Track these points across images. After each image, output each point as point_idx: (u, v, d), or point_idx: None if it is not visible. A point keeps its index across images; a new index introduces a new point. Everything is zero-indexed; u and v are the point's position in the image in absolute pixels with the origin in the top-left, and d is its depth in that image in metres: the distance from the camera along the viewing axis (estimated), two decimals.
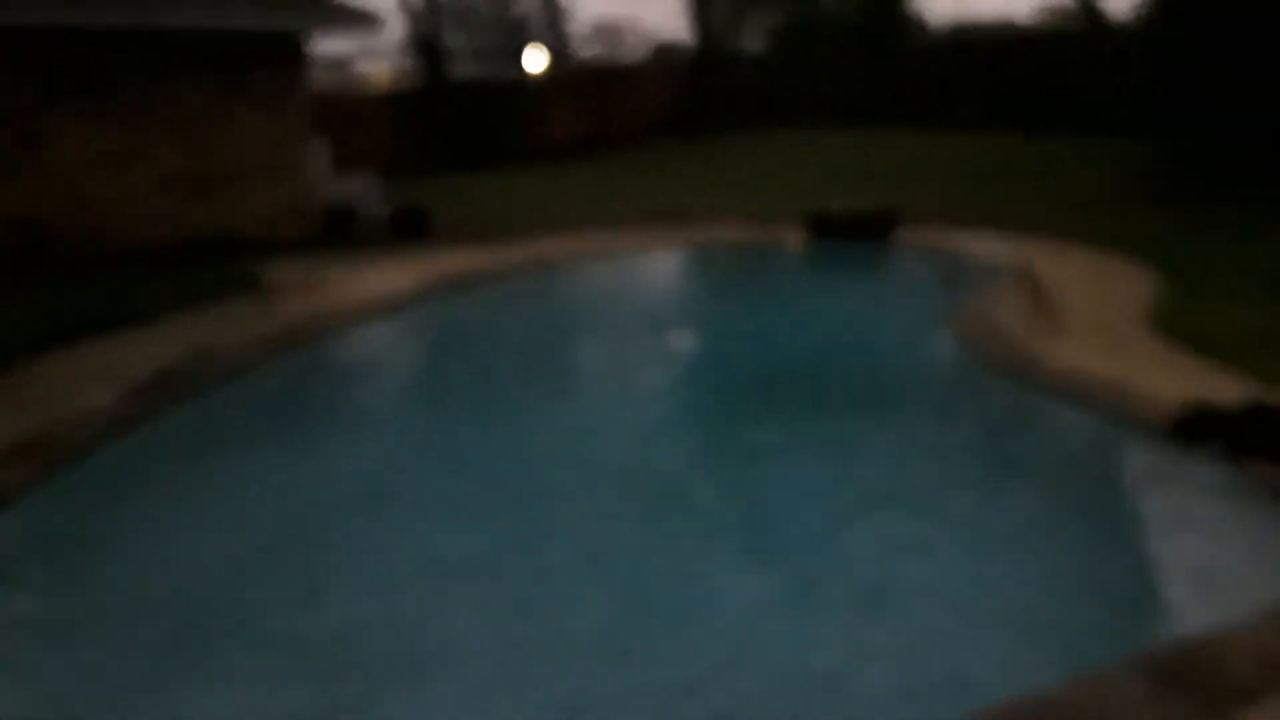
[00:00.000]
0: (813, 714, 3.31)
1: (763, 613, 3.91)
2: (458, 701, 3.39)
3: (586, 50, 30.81)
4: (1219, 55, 14.39)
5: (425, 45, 26.40)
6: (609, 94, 27.35)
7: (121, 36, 11.38)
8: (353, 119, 22.21)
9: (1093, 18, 25.56)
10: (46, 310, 7.95)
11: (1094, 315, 8.64)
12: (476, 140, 23.88)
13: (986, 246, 9.22)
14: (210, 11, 11.82)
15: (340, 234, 13.27)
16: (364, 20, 13.34)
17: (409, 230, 13.55)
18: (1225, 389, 6.35)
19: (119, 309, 8.11)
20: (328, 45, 24.60)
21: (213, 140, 12.23)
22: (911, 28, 35.22)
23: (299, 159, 12.90)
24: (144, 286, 8.96)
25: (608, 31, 30.54)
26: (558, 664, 3.57)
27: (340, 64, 45.20)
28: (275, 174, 12.70)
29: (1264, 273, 9.78)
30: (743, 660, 3.57)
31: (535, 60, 27.07)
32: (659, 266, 12.56)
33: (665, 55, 34.98)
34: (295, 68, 12.94)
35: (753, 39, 38.31)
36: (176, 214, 12.04)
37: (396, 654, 3.66)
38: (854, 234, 12.81)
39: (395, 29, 26.98)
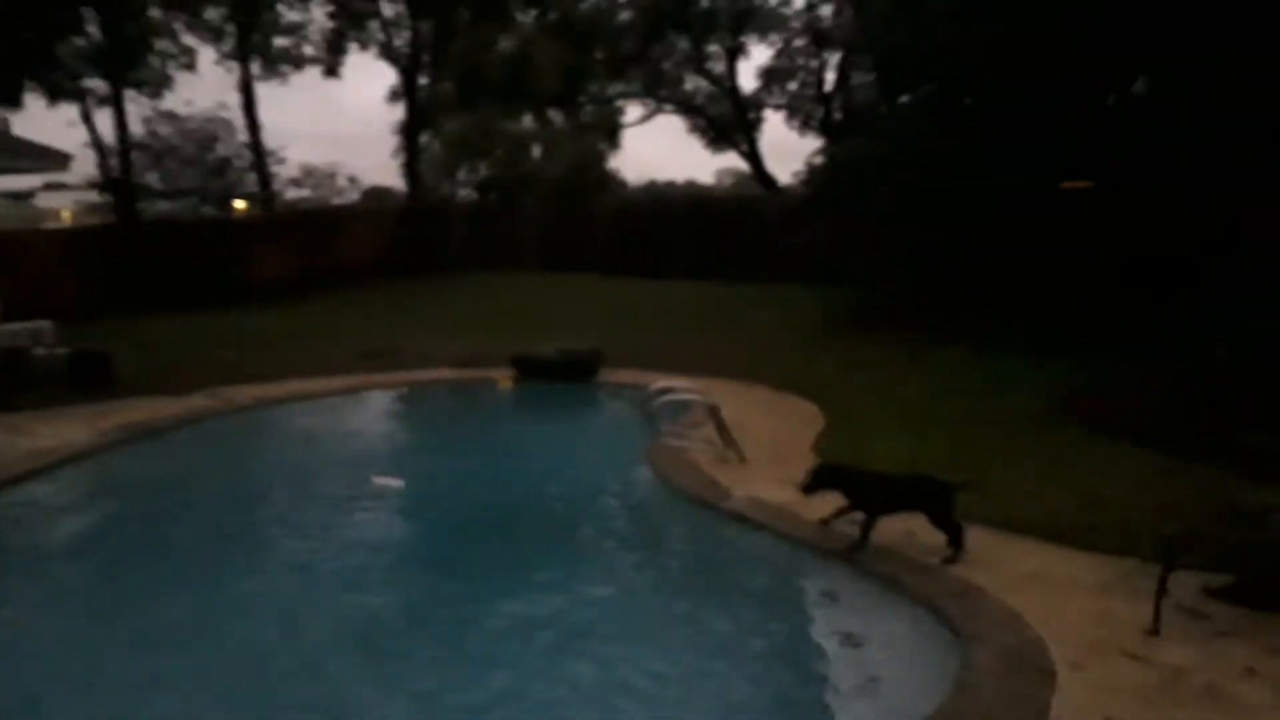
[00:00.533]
0: None
1: None
2: None
3: (294, 193, 30.29)
4: (862, 220, 16.52)
5: (115, 182, 24.84)
6: (320, 235, 26.85)
7: None
8: (30, 255, 20.31)
9: (765, 183, 28.62)
10: None
11: (770, 447, 9.37)
12: (174, 280, 22.49)
13: (681, 385, 9.77)
14: None
15: (10, 381, 11.89)
16: (50, 158, 12.41)
17: (89, 377, 12.40)
18: None
19: None
20: (8, 179, 22.57)
21: None
22: (611, 185, 37.70)
23: None
24: None
25: (316, 175, 30.20)
26: None
27: (21, 197, 41.53)
28: None
29: (904, 408, 11.10)
30: None
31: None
32: (365, 409, 12.24)
33: (377, 199, 35.09)
34: None
35: (465, 188, 39.39)
36: None
37: None
38: (559, 374, 13.21)
39: (85, 162, 25.31)
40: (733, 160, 49.10)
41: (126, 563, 6.49)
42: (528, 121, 36.24)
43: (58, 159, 12.54)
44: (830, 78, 28.99)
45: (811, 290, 20.57)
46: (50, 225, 34.84)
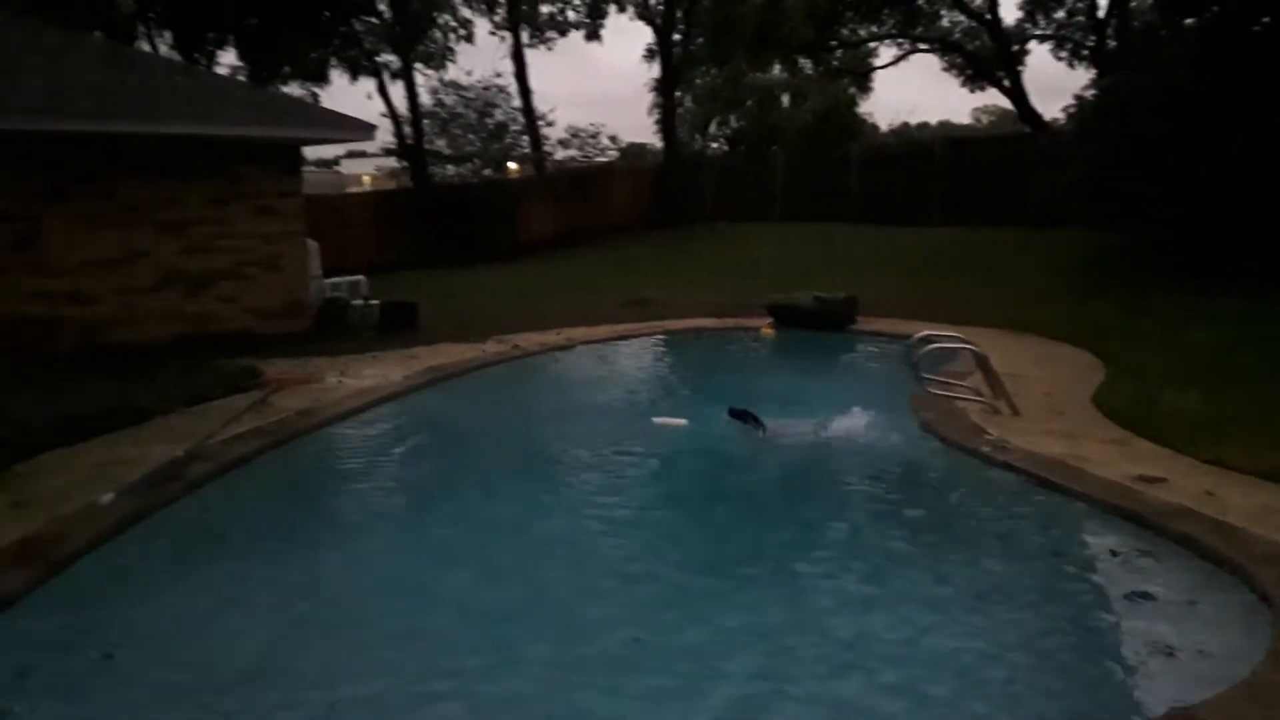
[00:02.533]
0: None
1: None
2: None
3: (562, 154, 31.52)
4: (1146, 157, 14.98)
5: (410, 149, 26.85)
6: (583, 193, 27.85)
7: (122, 141, 11.49)
8: (340, 217, 22.43)
9: (1029, 120, 26.56)
10: (48, 409, 7.83)
11: (1045, 400, 8.82)
12: (458, 238, 24.15)
13: (946, 334, 9.36)
14: (211, 120, 12.01)
15: (332, 329, 13.30)
16: (360, 128, 13.60)
17: (397, 324, 13.62)
18: (1166, 469, 6.52)
19: (120, 407, 8.02)
20: (318, 149, 25.01)
21: (210, 240, 12.30)
22: (862, 130, 36.42)
23: (293, 257, 12.98)
24: (144, 384, 8.87)
25: (581, 136, 31.26)
26: None
27: (328, 164, 45.88)
28: (270, 272, 12.74)
29: (1193, 358, 10.06)
30: None
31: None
32: (635, 355, 12.65)
33: (635, 156, 35.88)
34: (291, 170, 13.11)
35: (716, 141, 39.45)
36: (173, 311, 12.02)
37: None
38: (815, 323, 13.05)
39: (382, 131, 27.56)
40: (992, 98, 46.00)
41: (439, 486, 7.08)
42: (777, 72, 35.71)
43: (365, 129, 13.70)
44: (1103, 2, 26.39)
45: (1078, 233, 19.04)
46: (353, 189, 38.39)
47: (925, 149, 27.94)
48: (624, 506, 6.56)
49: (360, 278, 15.06)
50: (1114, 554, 5.50)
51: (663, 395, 10.29)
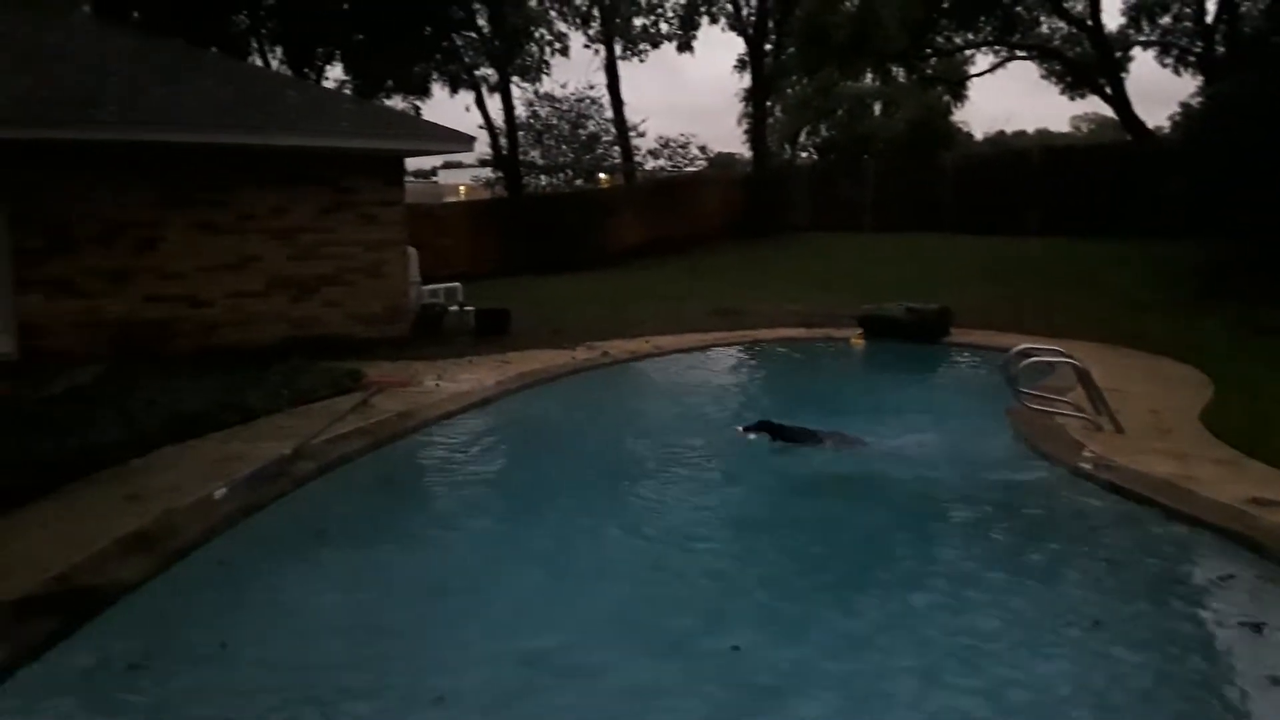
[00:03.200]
0: None
1: None
2: None
3: (652, 164, 31.65)
4: (1256, 166, 14.28)
5: (505, 160, 27.31)
6: (672, 202, 27.90)
7: (237, 152, 11.96)
8: (437, 226, 22.92)
9: (1132, 128, 25.59)
10: (162, 407, 8.17)
11: (1150, 417, 8.46)
12: (549, 246, 24.45)
13: (1045, 347, 9.06)
14: (321, 133, 12.42)
15: (430, 333, 13.60)
16: (459, 140, 13.89)
17: (491, 330, 13.85)
18: None
19: (230, 406, 8.33)
20: (417, 160, 25.59)
21: (317, 246, 12.70)
22: (956, 139, 35.63)
23: (394, 264, 13.31)
24: (253, 384, 9.19)
25: (671, 146, 31.34)
26: None
27: (425, 175, 46.96)
28: (372, 278, 13.09)
29: None
30: None
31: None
32: (723, 364, 12.57)
33: (723, 166, 35.80)
34: (393, 181, 13.46)
35: (805, 150, 39.07)
36: (281, 315, 12.44)
37: None
38: (907, 334, 12.78)
39: (478, 143, 28.15)
40: (1092, 105, 44.58)
41: (531, 487, 7.20)
42: (869, 80, 35.18)
43: (464, 141, 13.99)
44: (1212, 7, 25.25)
45: (1184, 245, 18.23)
46: (449, 199, 39.25)
47: (1023, 157, 27.18)
48: (714, 514, 6.53)
49: (456, 284, 15.36)
50: (1226, 579, 5.23)
51: (750, 404, 10.20)
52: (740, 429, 8.07)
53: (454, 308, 14.59)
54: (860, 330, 13.04)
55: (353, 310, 12.99)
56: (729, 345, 13.26)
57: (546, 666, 4.30)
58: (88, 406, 8.16)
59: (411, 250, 14.00)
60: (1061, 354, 8.74)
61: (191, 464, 6.98)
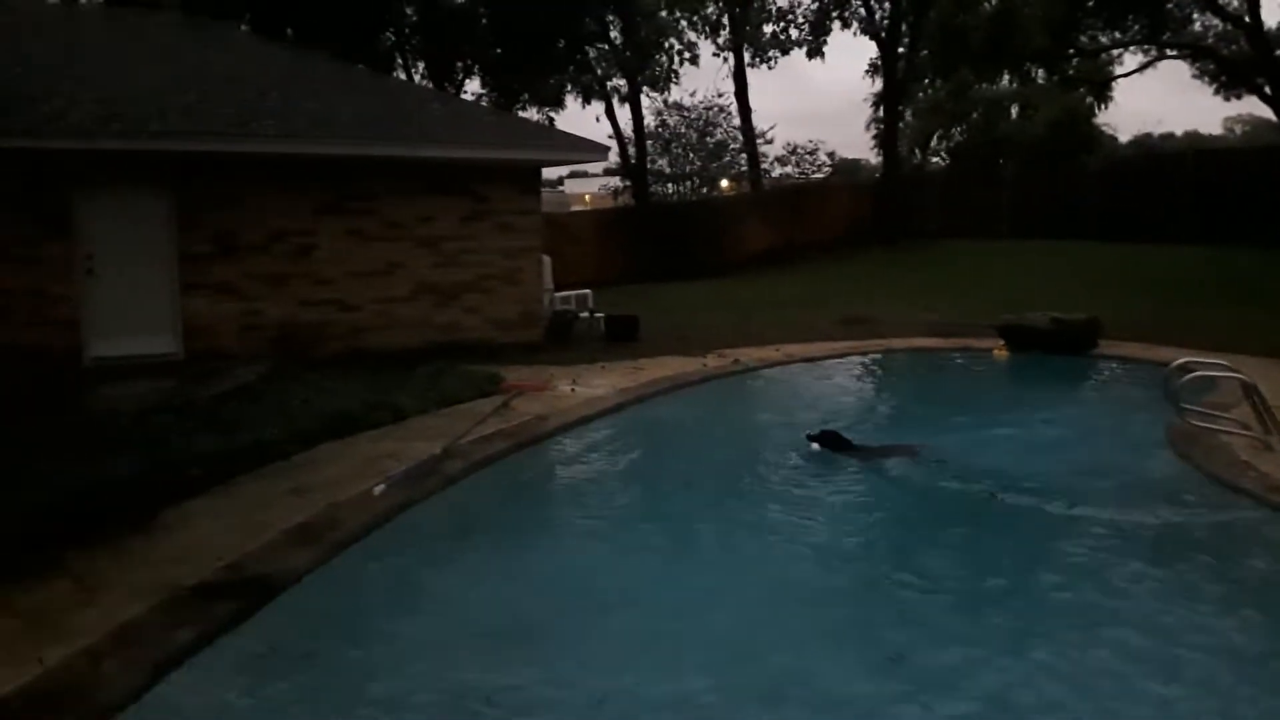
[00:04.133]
0: None
1: None
2: None
3: (779, 170, 31.41)
4: None
5: (634, 169, 27.59)
6: (799, 209, 27.61)
7: (385, 162, 12.47)
8: (566, 234, 23.33)
9: None
10: (320, 406, 8.58)
11: None
12: (675, 253, 24.56)
13: (1207, 361, 8.54)
14: (464, 144, 12.83)
15: (561, 338, 13.85)
16: (594, 149, 14.12)
17: (620, 336, 14.01)
18: None
19: (382, 406, 8.68)
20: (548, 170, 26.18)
21: (458, 254, 13.11)
22: (1101, 142, 34.04)
23: (530, 271, 13.61)
24: (402, 386, 9.55)
25: (799, 152, 31.01)
26: None
27: (552, 184, 47.90)
28: (509, 285, 13.41)
29: None
30: None
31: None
32: (856, 374, 12.33)
33: (848, 172, 35.20)
34: (530, 190, 13.78)
35: (936, 155, 38.08)
36: (424, 320, 12.89)
37: None
38: (1052, 346, 12.24)
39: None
40: (1248, 106, 41.90)
41: (666, 491, 7.25)
42: (1005, 82, 34.00)
43: (599, 150, 14.22)
44: None
45: None
46: (576, 208, 39.94)
47: (1174, 161, 25.72)
48: (855, 524, 6.41)
49: (587, 291, 15.58)
50: None
51: (894, 415, 9.96)
52: (808, 436, 7.95)
53: (584, 314, 14.81)
54: (1003, 341, 12.57)
55: (490, 316, 13.33)
56: (862, 354, 13.00)
57: (699, 667, 4.31)
58: (252, 404, 8.64)
59: (546, 258, 14.28)
60: (1226, 368, 8.23)
61: (349, 460, 7.30)
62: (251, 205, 11.96)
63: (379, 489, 6.39)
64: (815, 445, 7.79)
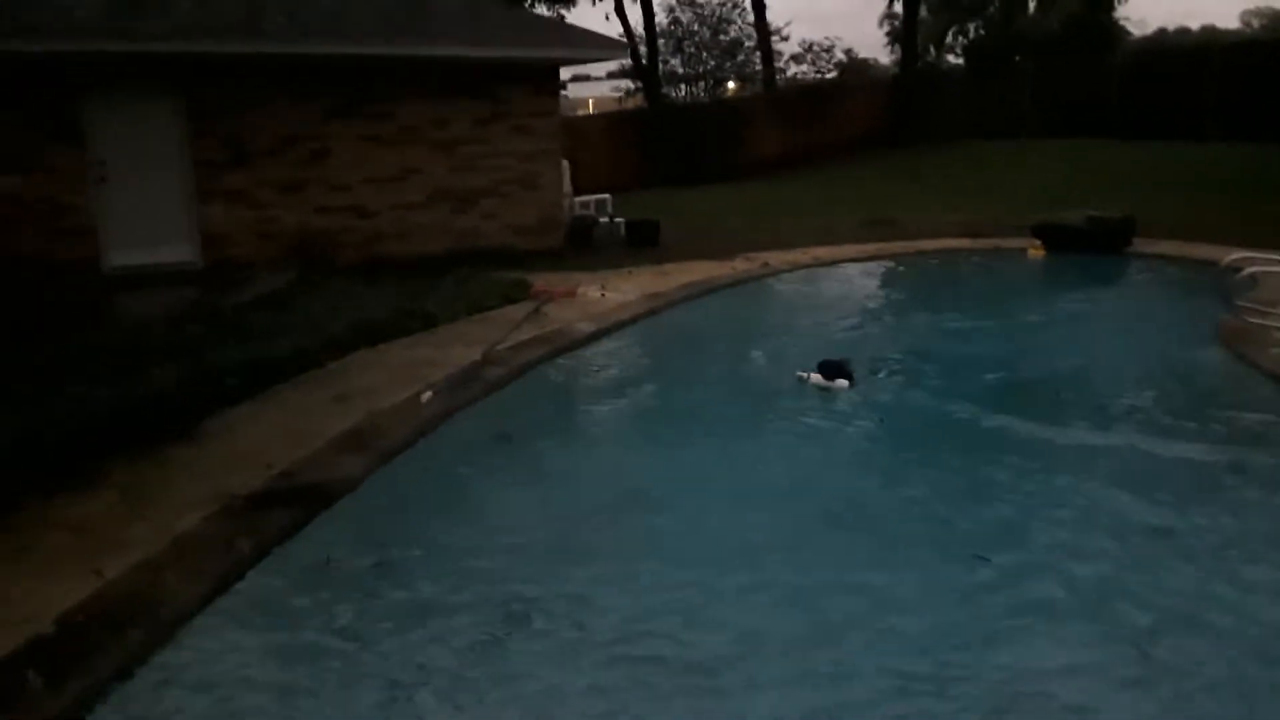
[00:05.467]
0: None
1: None
2: None
3: (794, 69, 30.37)
4: None
5: (644, 70, 26.72)
6: (815, 111, 26.84)
7: (397, 64, 11.97)
8: (577, 138, 22.72)
9: None
10: (348, 313, 8.35)
11: None
12: (688, 157, 23.95)
13: (1257, 256, 8.26)
14: (481, 43, 12.29)
15: (581, 244, 13.53)
16: (612, 46, 13.57)
17: (641, 241, 13.69)
18: None
19: (413, 313, 8.46)
20: None
21: (475, 158, 12.71)
22: (1120, 37, 32.92)
23: (549, 175, 13.22)
24: (429, 293, 9.33)
25: (815, 50, 29.93)
26: None
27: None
28: (528, 190, 13.04)
29: None
30: None
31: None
32: (889, 276, 12.08)
33: (864, 71, 34.09)
34: (547, 91, 13.28)
35: (952, 52, 36.88)
36: (442, 226, 12.56)
37: None
38: (1088, 244, 11.95)
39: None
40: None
41: (716, 391, 7.12)
42: None
43: (618, 47, 13.70)
44: None
45: None
46: (580, 113, 38.87)
47: (1200, 55, 24.81)
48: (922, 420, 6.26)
49: (607, 196, 15.21)
50: None
51: (935, 315, 9.65)
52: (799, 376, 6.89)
53: (604, 219, 14.47)
54: (1037, 240, 12.26)
55: (509, 222, 13.00)
56: (891, 257, 12.72)
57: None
58: (280, 313, 8.42)
59: (565, 162, 13.87)
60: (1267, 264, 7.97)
61: (386, 368, 7.13)
62: (263, 110, 11.51)
63: (426, 396, 6.22)
64: (813, 377, 6.77)
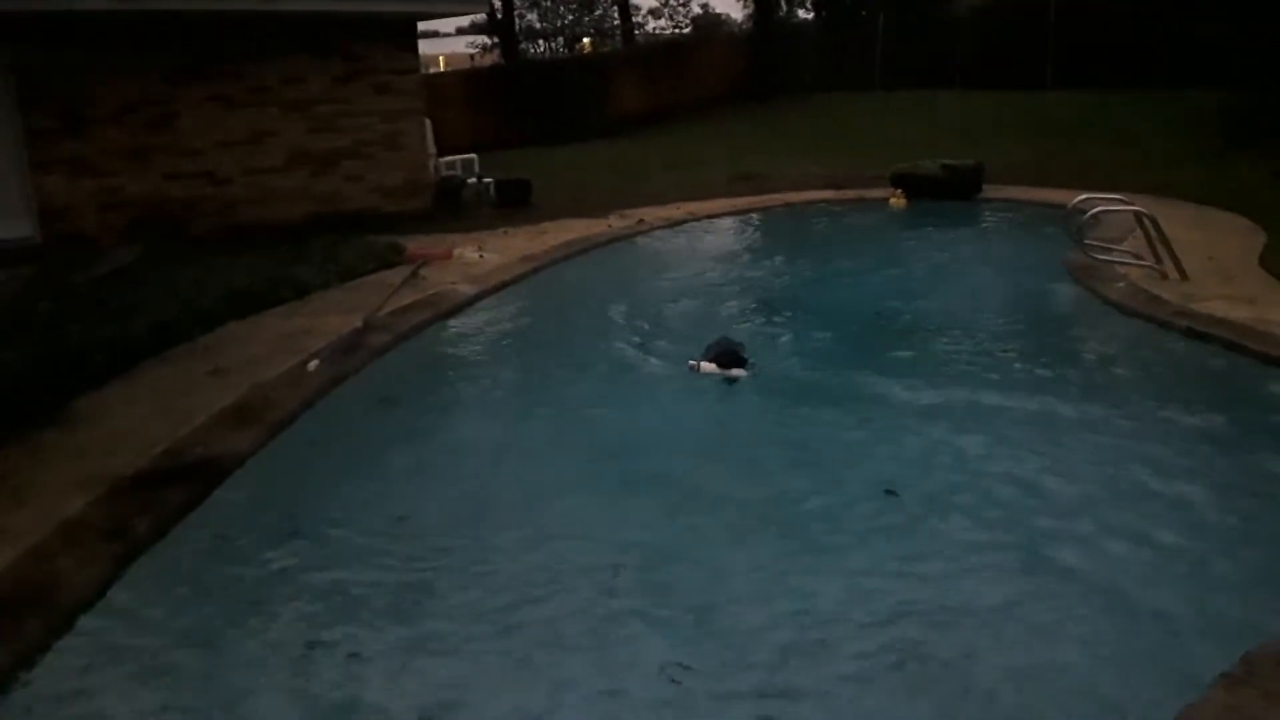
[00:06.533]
0: None
1: None
2: None
3: (652, 24, 30.48)
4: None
5: (500, 25, 26.27)
6: (675, 66, 27.03)
7: (245, 20, 11.43)
8: (435, 96, 22.16)
9: None
10: (216, 284, 8.03)
11: (1209, 264, 8.45)
12: (550, 115, 23.77)
13: (1100, 196, 8.93)
14: None
15: (449, 206, 13.33)
16: (471, 2, 13.31)
17: (512, 201, 13.59)
18: None
19: (283, 281, 8.21)
20: None
21: (333, 119, 12.30)
22: None
23: (412, 134, 12.94)
24: (298, 261, 9.04)
25: (671, 5, 30.09)
26: None
27: None
28: (391, 150, 12.74)
29: None
30: None
31: None
32: (760, 228, 12.43)
33: (717, 26, 34.47)
34: (407, 47, 12.94)
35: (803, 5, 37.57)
36: (301, 190, 12.15)
37: None
38: (942, 191, 12.63)
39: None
40: None
41: (601, 349, 7.09)
42: None
43: (478, 3, 13.39)
44: None
45: (1211, 93, 17.81)
46: (431, 70, 37.85)
47: (1039, 6, 26.22)
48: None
49: (473, 156, 15.01)
50: None
51: (812, 265, 10.02)
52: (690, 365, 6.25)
53: (472, 180, 14.27)
54: (899, 190, 12.85)
55: (374, 184, 12.70)
56: (762, 210, 13.08)
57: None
58: (137, 287, 8.03)
59: (427, 120, 13.59)
60: (1123, 202, 8.65)
61: (261, 339, 6.94)
62: (100, 73, 10.82)
63: (313, 365, 6.10)
64: (704, 365, 6.16)
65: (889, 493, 4.45)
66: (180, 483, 4.64)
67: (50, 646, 3.43)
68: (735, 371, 6.14)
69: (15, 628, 3.47)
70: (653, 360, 6.72)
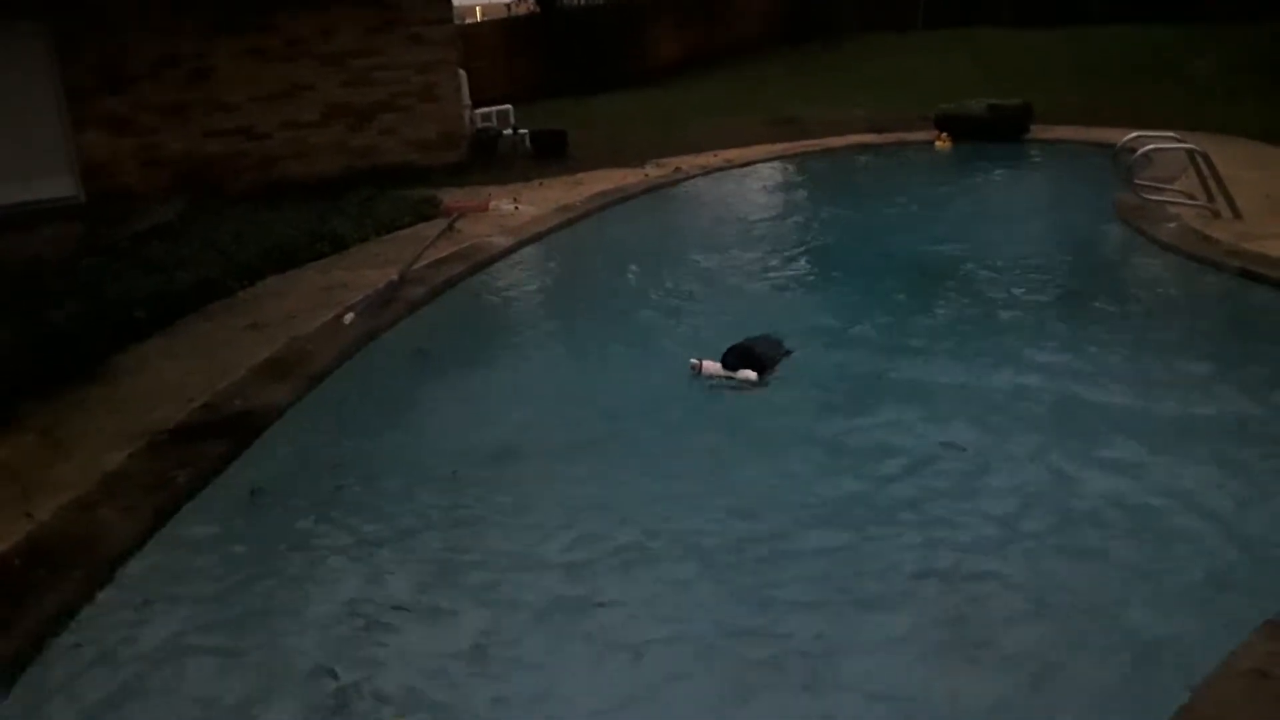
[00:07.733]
0: None
1: None
2: None
3: None
4: None
5: None
6: (711, 10, 26.43)
7: None
8: (471, 46, 21.90)
9: None
10: (254, 239, 8.04)
11: (1266, 202, 8.09)
12: (586, 63, 23.38)
13: (1151, 134, 8.58)
14: None
15: (485, 157, 13.20)
16: None
17: (548, 152, 13.43)
18: None
19: (321, 235, 8.21)
20: None
21: (368, 71, 12.19)
22: None
23: (447, 86, 12.79)
24: (335, 214, 9.02)
25: None
26: None
27: None
28: (426, 102, 12.60)
29: None
30: None
31: None
32: (802, 173, 12.14)
33: None
34: None
35: None
36: (338, 145, 12.09)
37: None
38: (988, 133, 12.24)
39: None
40: None
41: (644, 296, 7.05)
42: None
43: None
44: None
45: (1262, 29, 16.99)
46: (469, 21, 37.44)
47: None
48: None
49: (508, 107, 14.80)
50: None
51: (855, 210, 9.77)
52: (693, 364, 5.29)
53: (507, 131, 14.10)
54: (943, 132, 12.47)
55: (409, 137, 12.59)
56: (802, 155, 12.78)
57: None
58: (179, 243, 8.06)
59: (461, 72, 13.42)
60: (1175, 139, 8.31)
61: (300, 293, 6.95)
62: (136, 30, 10.80)
63: (349, 318, 6.09)
64: (706, 365, 5.21)
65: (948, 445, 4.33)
66: (219, 436, 4.66)
67: (93, 597, 3.47)
68: (744, 374, 5.11)
69: (59, 578, 3.51)
70: (685, 310, 6.62)
